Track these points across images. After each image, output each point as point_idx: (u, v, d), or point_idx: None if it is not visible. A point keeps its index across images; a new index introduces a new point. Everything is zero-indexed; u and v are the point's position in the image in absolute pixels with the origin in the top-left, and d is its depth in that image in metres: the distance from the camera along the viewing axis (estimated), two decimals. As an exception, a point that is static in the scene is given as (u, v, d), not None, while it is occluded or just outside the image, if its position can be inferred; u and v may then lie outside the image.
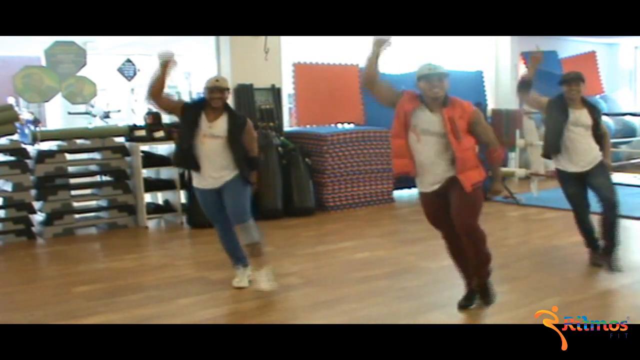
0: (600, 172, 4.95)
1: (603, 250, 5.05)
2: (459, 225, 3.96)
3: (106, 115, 10.89)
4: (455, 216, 3.94)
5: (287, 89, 8.84)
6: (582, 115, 4.96)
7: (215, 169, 4.55)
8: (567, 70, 11.04)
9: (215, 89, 4.56)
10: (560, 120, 4.95)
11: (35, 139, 6.92)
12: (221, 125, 4.56)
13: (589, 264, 5.14)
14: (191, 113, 4.60)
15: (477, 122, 3.92)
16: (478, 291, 4.21)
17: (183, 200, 7.27)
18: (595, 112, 4.99)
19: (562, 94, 5.04)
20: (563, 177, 5.11)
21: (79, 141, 7.09)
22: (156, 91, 4.52)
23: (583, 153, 4.94)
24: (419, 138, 3.87)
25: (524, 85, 5.04)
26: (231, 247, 4.83)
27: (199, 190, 4.69)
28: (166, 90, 4.63)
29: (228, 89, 4.69)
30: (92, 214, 7.26)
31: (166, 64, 4.47)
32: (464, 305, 4.23)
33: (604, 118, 11.05)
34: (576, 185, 5.06)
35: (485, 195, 4.13)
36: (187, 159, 4.64)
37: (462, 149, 3.82)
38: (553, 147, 5.03)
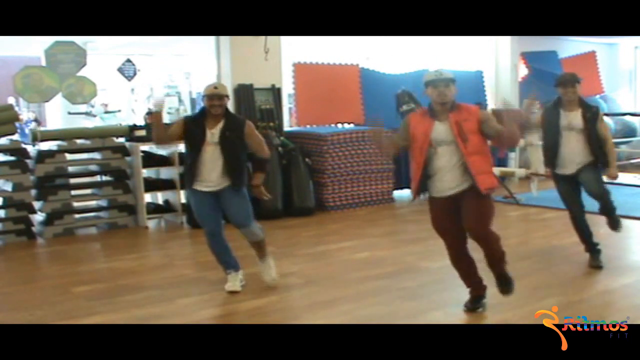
0: (588, 169, 4.98)
1: (607, 222, 5.24)
2: (474, 233, 4.00)
3: (106, 110, 10.95)
4: (470, 223, 3.98)
5: (287, 89, 8.84)
6: (575, 118, 4.97)
7: (216, 174, 4.54)
8: (567, 70, 11.10)
9: (215, 96, 4.51)
10: (556, 125, 4.98)
11: (35, 139, 6.92)
12: (217, 131, 4.54)
13: (588, 266, 5.14)
14: (195, 127, 4.55)
15: (485, 119, 3.95)
16: (496, 281, 4.17)
17: (183, 200, 7.26)
18: (589, 113, 4.96)
19: (557, 98, 5.06)
20: (556, 177, 5.17)
21: (79, 141, 7.09)
22: (162, 139, 4.71)
23: (573, 156, 4.98)
24: (437, 150, 3.94)
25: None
26: (219, 252, 4.75)
27: (197, 191, 4.61)
28: (165, 130, 4.68)
29: (227, 96, 4.66)
30: (92, 214, 7.25)
31: (159, 113, 4.66)
32: (471, 308, 4.22)
33: (605, 118, 11.16)
34: (569, 184, 5.10)
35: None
36: (190, 173, 4.61)
37: (470, 152, 3.87)
38: (553, 154, 5.06)
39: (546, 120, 5.07)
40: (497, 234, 4.07)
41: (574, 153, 4.98)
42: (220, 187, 4.54)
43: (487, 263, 4.12)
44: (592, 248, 5.17)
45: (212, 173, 4.53)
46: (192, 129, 4.56)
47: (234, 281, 4.70)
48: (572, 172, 4.99)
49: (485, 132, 3.92)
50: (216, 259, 4.77)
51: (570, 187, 5.11)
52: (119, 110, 12.12)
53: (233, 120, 4.66)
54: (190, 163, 4.56)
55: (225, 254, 4.74)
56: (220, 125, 4.53)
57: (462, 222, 4.00)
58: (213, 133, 4.51)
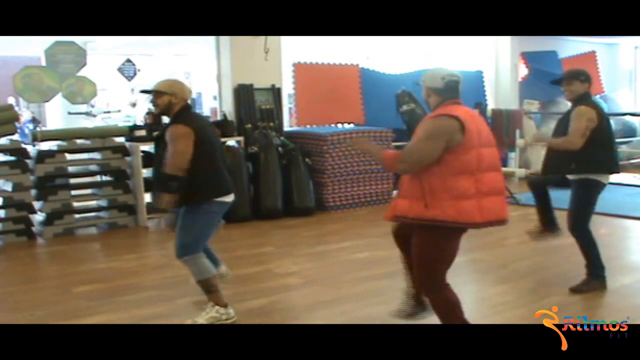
0: (575, 185, 4.55)
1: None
2: (416, 278, 3.40)
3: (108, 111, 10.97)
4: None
5: (287, 89, 8.84)
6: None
7: None
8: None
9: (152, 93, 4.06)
10: (564, 127, 4.54)
11: (35, 139, 6.92)
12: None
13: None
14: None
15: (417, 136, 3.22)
16: None
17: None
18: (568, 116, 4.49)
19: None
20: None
21: (79, 141, 7.10)
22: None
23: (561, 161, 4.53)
24: None
25: None
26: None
27: None
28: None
29: (164, 92, 3.98)
30: (92, 214, 7.25)
31: None
32: (399, 313, 3.70)
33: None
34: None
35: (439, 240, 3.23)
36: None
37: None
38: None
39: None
40: (446, 299, 3.29)
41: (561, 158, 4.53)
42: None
43: None
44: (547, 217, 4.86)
45: None
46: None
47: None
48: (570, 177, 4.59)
49: None
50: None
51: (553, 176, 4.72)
52: (119, 110, 12.12)
53: (170, 123, 4.01)
54: None
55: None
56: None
57: None
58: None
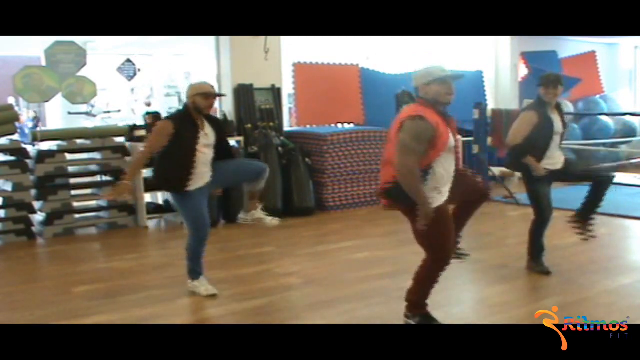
0: (578, 161, 5.06)
1: (580, 214, 5.03)
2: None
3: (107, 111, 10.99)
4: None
5: (287, 89, 8.84)
6: (557, 121, 4.92)
7: (209, 173, 4.52)
8: (567, 70, 11.13)
9: (212, 95, 4.52)
10: (549, 130, 4.85)
11: (35, 139, 6.92)
12: (210, 132, 4.50)
13: (529, 268, 5.06)
14: (187, 127, 4.39)
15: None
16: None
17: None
18: (563, 117, 5.05)
19: (541, 100, 4.89)
20: (542, 176, 4.93)
21: (79, 141, 7.10)
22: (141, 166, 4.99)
23: (558, 156, 4.97)
24: (445, 156, 3.57)
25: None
26: (200, 257, 4.67)
27: (194, 192, 4.44)
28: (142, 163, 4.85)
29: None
30: (92, 214, 7.26)
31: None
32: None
33: (605, 118, 11.17)
34: (548, 186, 4.99)
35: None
36: (186, 176, 4.42)
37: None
38: (540, 156, 4.90)
39: (542, 122, 4.83)
40: None
41: (558, 153, 4.98)
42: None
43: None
44: (539, 254, 5.09)
45: (206, 172, 4.49)
46: (183, 129, 4.36)
47: (207, 284, 4.67)
48: (560, 167, 4.94)
49: None
50: (193, 265, 4.66)
51: (549, 189, 4.99)
52: (119, 110, 12.11)
53: (216, 120, 4.79)
54: (183, 165, 4.37)
55: (200, 259, 4.68)
56: (209, 126, 4.52)
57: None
58: (207, 134, 4.47)
